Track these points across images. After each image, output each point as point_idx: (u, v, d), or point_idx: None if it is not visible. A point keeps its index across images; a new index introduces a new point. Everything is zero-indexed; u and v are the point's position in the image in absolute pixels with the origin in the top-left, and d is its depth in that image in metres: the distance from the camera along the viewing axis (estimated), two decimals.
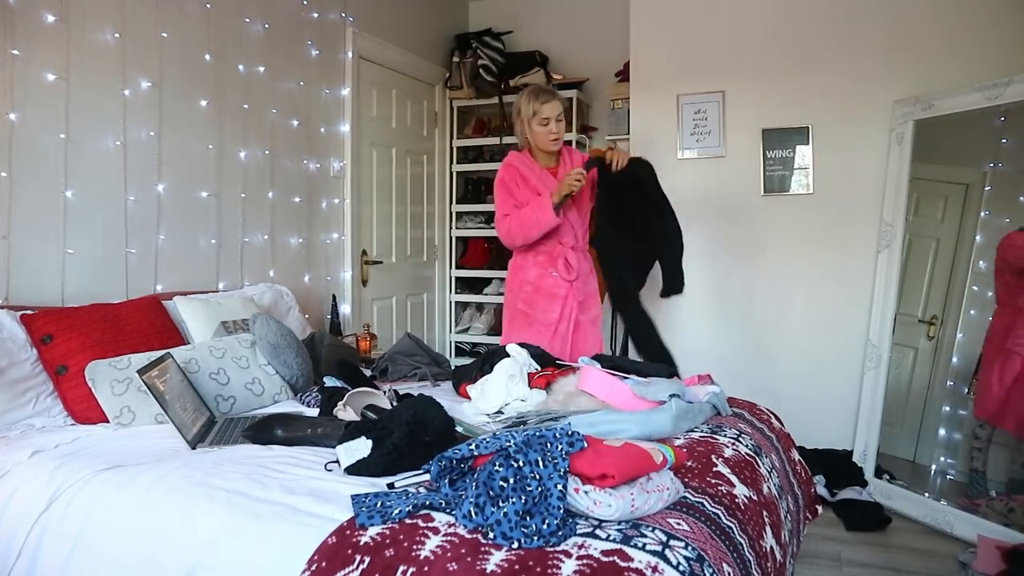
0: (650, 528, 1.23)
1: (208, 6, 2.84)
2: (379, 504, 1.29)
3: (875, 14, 3.29)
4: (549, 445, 1.31)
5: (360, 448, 1.53)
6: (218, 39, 2.89)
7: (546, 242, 2.79)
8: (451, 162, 4.65)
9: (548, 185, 2.75)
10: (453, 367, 2.73)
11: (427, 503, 1.30)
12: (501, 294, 4.40)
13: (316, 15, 3.44)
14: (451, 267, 4.71)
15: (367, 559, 1.16)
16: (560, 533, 1.18)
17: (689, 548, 1.19)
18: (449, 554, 1.15)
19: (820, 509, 2.27)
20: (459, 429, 1.73)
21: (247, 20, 3.04)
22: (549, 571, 1.09)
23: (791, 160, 3.47)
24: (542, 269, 2.80)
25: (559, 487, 1.24)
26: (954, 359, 3.00)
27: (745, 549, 1.37)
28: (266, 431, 1.78)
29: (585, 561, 1.12)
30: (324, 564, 1.18)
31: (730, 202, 3.61)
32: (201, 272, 2.85)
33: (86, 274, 2.40)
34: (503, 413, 2.04)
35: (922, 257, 3.20)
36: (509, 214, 2.76)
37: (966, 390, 2.95)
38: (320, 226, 3.54)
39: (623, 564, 1.11)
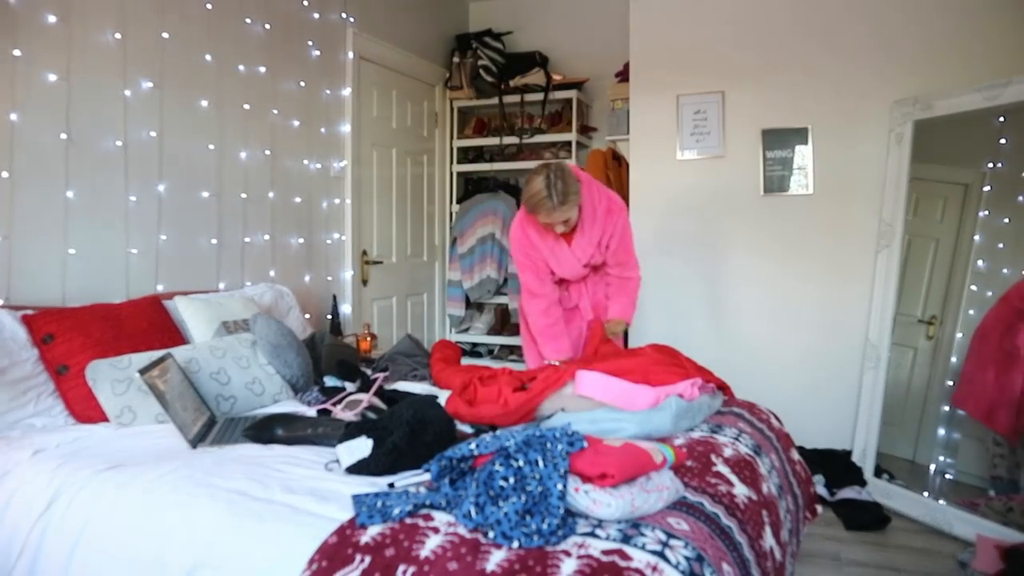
0: (650, 528, 1.24)
1: (209, 7, 2.85)
2: (379, 504, 1.29)
3: (875, 15, 3.29)
4: (549, 445, 1.32)
5: (361, 448, 1.53)
6: (219, 40, 2.90)
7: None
8: (451, 162, 4.66)
9: (556, 254, 2.64)
10: None
11: (427, 503, 1.31)
12: (501, 293, 4.42)
13: (317, 15, 3.44)
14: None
15: (367, 559, 1.17)
16: (560, 532, 1.19)
17: (689, 548, 1.19)
18: (449, 554, 1.15)
19: (819, 509, 2.28)
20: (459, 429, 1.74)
21: (248, 21, 3.04)
22: (549, 570, 1.10)
23: (791, 160, 3.48)
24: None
25: (559, 487, 1.25)
26: (953, 359, 3.00)
27: (745, 549, 1.37)
28: (267, 431, 1.79)
29: (585, 560, 1.12)
30: (324, 563, 1.18)
31: (730, 202, 3.61)
32: (202, 272, 2.86)
33: (87, 274, 2.41)
34: None
35: (921, 257, 3.20)
36: (527, 284, 2.72)
37: None
38: (320, 226, 3.54)
39: (623, 563, 1.12)
